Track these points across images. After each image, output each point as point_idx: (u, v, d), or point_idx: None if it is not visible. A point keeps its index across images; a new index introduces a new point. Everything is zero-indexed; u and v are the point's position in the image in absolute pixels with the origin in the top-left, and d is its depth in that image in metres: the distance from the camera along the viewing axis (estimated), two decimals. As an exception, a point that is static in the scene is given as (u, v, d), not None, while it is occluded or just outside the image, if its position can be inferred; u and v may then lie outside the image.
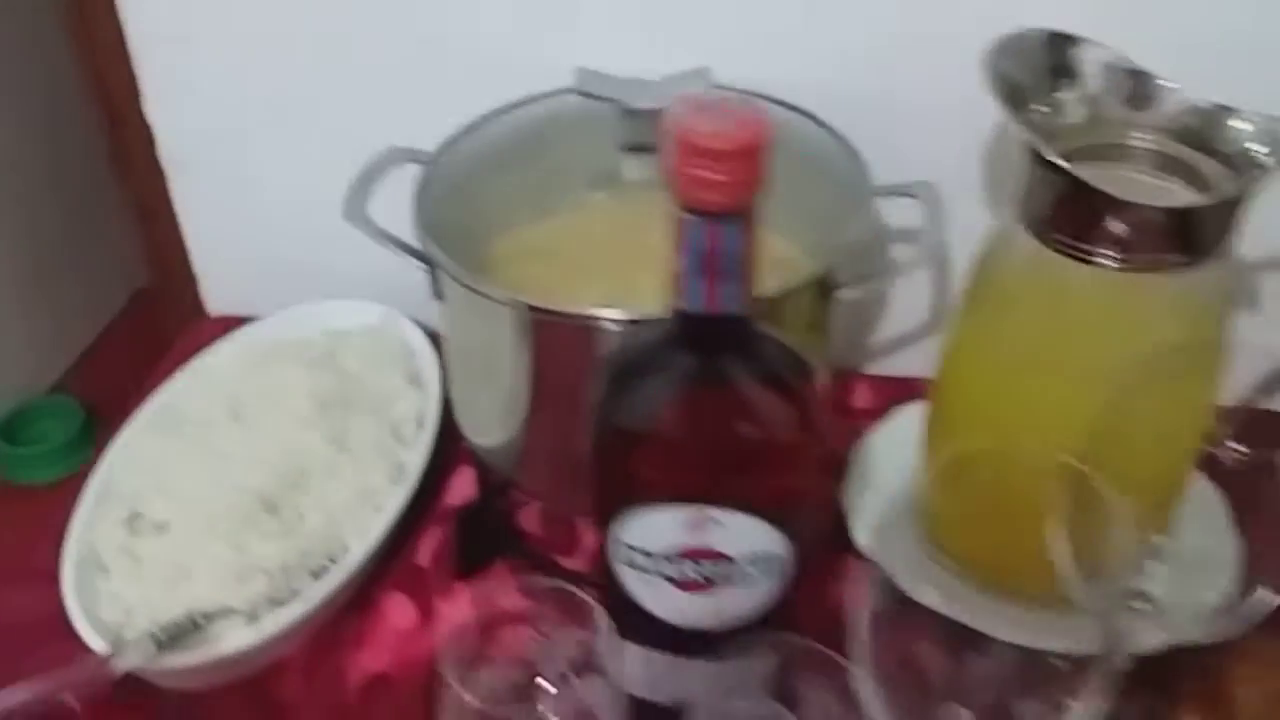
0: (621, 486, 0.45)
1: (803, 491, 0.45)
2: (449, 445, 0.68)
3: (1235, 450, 0.63)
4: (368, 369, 0.71)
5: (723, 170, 0.36)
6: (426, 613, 0.62)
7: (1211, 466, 0.59)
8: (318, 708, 0.58)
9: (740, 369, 0.42)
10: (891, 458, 0.67)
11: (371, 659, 0.60)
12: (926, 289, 0.73)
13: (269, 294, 0.77)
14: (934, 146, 0.62)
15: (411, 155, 0.61)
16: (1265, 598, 0.48)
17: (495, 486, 0.65)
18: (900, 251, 0.67)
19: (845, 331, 0.74)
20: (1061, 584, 0.49)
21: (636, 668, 0.49)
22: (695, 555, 0.45)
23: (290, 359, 0.71)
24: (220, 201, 0.79)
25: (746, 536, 0.45)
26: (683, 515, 0.44)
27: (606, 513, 0.46)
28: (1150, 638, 0.50)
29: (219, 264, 0.82)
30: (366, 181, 0.60)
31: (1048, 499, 0.46)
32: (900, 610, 0.44)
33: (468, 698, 0.44)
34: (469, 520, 0.65)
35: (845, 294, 0.56)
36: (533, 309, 0.54)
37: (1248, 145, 0.50)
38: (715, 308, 0.40)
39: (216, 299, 0.84)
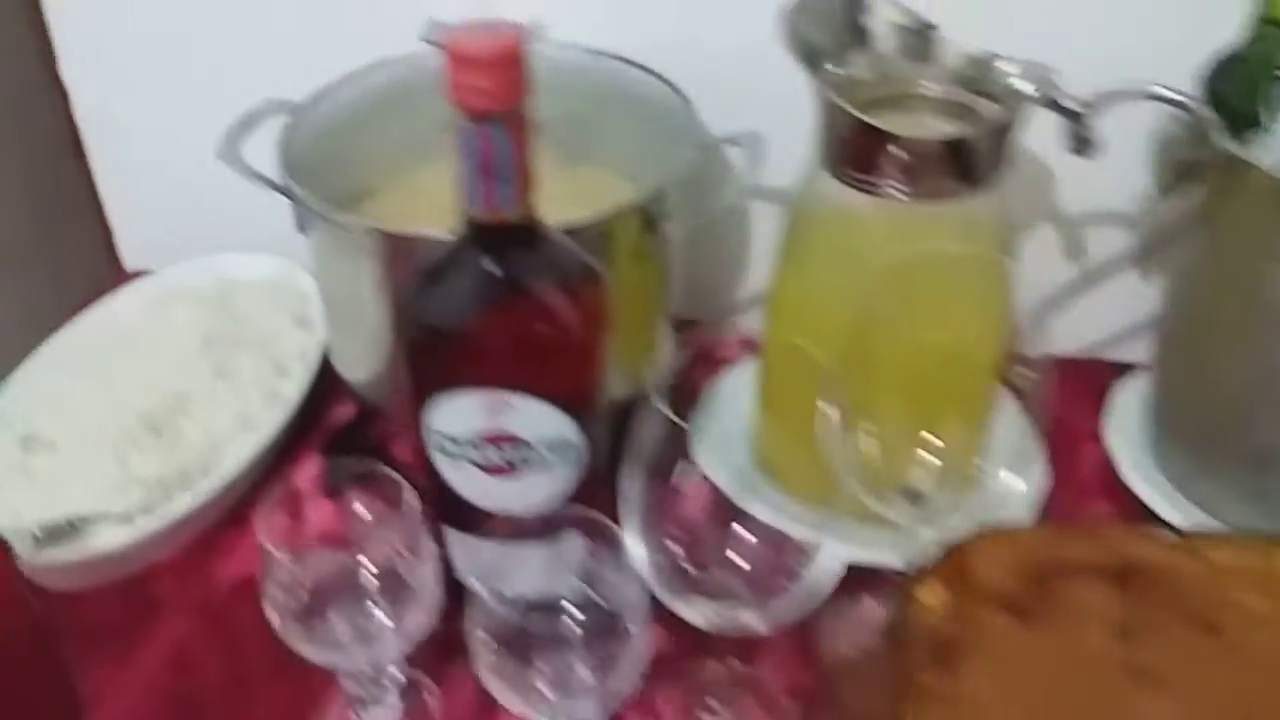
0: (427, 378, 0.50)
1: (589, 383, 0.50)
2: (334, 381, 0.72)
3: (1025, 375, 0.68)
4: (259, 312, 0.76)
5: (485, 76, 0.41)
6: (296, 514, 0.67)
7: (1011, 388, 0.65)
8: (188, 605, 0.63)
9: (526, 269, 0.47)
10: (738, 393, 0.72)
11: (241, 565, 0.65)
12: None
13: (182, 251, 0.81)
14: (769, 98, 0.66)
15: (288, 106, 0.66)
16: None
17: (366, 414, 0.70)
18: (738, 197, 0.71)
19: (718, 287, 0.78)
20: (839, 483, 0.55)
21: (456, 551, 0.54)
22: (495, 440, 0.50)
23: (185, 301, 0.76)
24: (131, 160, 0.83)
25: (540, 422, 0.49)
26: (480, 400, 0.49)
27: (419, 405, 0.50)
28: (923, 533, 0.55)
29: (132, 221, 0.87)
30: (243, 127, 0.65)
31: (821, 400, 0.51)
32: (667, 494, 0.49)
33: (283, 559, 0.49)
34: (337, 443, 0.69)
35: (672, 228, 0.61)
36: (388, 235, 0.59)
37: (1013, 83, 0.55)
38: (493, 207, 0.45)
39: (133, 256, 0.89)
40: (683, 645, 0.59)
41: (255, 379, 0.71)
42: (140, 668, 0.60)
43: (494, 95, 0.42)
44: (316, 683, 0.58)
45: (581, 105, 0.66)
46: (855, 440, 0.55)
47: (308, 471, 0.67)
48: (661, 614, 0.54)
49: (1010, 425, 0.70)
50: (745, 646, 0.60)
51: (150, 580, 0.64)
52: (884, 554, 0.59)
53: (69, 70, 0.80)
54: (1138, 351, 0.71)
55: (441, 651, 0.59)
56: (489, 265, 0.47)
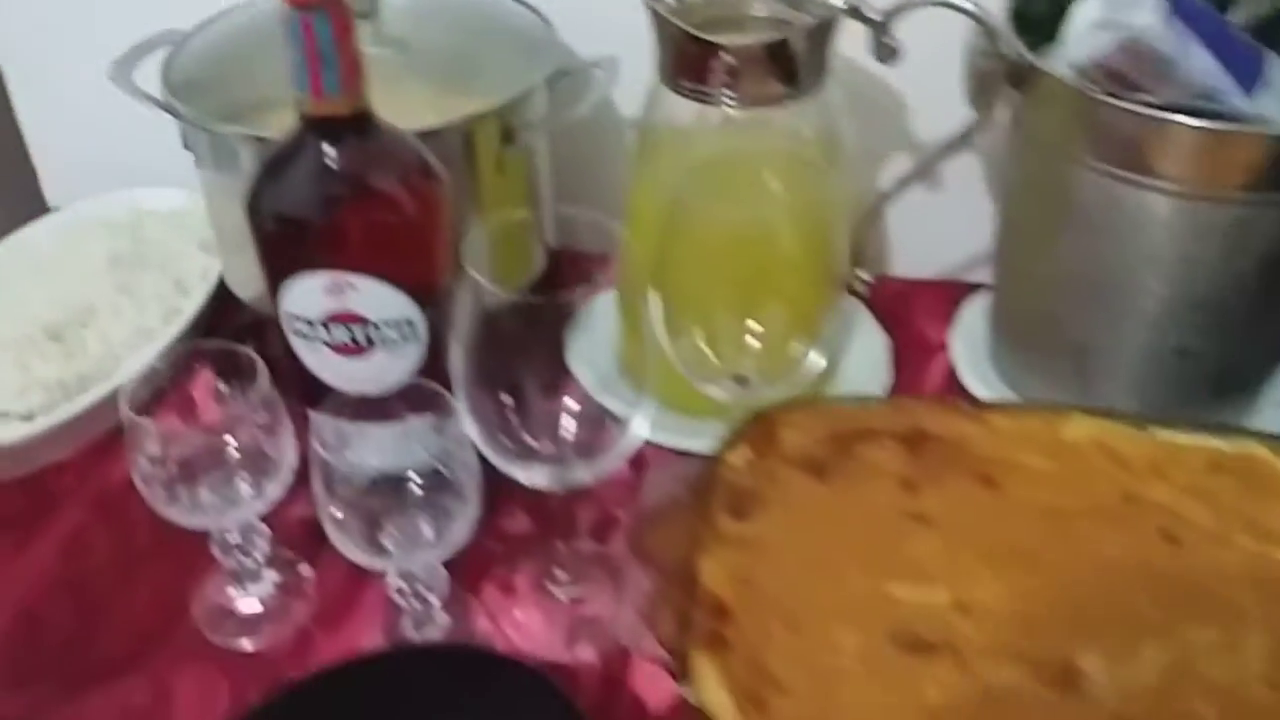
0: (277, 265, 0.54)
1: (428, 269, 0.54)
2: (234, 299, 0.76)
3: (864, 280, 0.72)
4: (165, 237, 0.80)
5: None
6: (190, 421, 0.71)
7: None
8: (84, 499, 0.67)
9: (360, 160, 0.52)
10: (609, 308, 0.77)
11: (136, 463, 0.69)
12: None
13: (102, 189, 0.85)
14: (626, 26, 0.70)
15: (179, 35, 0.70)
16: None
17: (252, 325, 0.74)
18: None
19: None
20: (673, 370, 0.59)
21: (314, 429, 0.58)
22: (341, 319, 0.54)
23: (96, 229, 0.80)
24: (51, 101, 0.87)
25: (382, 304, 0.54)
26: (324, 281, 0.53)
27: (274, 292, 0.55)
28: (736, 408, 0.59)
29: (53, 161, 0.91)
30: (137, 53, 0.69)
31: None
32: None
33: (148, 427, 0.53)
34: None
35: (525, 138, 0.65)
36: (264, 143, 0.62)
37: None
38: (321, 95, 0.49)
39: (56, 196, 0.93)
40: (538, 527, 0.64)
41: (156, 296, 0.75)
42: (36, 554, 0.64)
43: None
44: (199, 566, 0.62)
45: (456, 38, 0.71)
46: (686, 330, 0.60)
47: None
48: (516, 498, 0.58)
49: (860, 330, 0.75)
50: (599, 527, 0.64)
51: (50, 477, 0.68)
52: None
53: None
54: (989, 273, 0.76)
55: (314, 534, 0.63)
56: (325, 155, 0.51)
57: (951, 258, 0.81)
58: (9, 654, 0.59)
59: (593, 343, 0.57)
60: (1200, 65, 0.53)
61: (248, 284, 0.72)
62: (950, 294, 0.79)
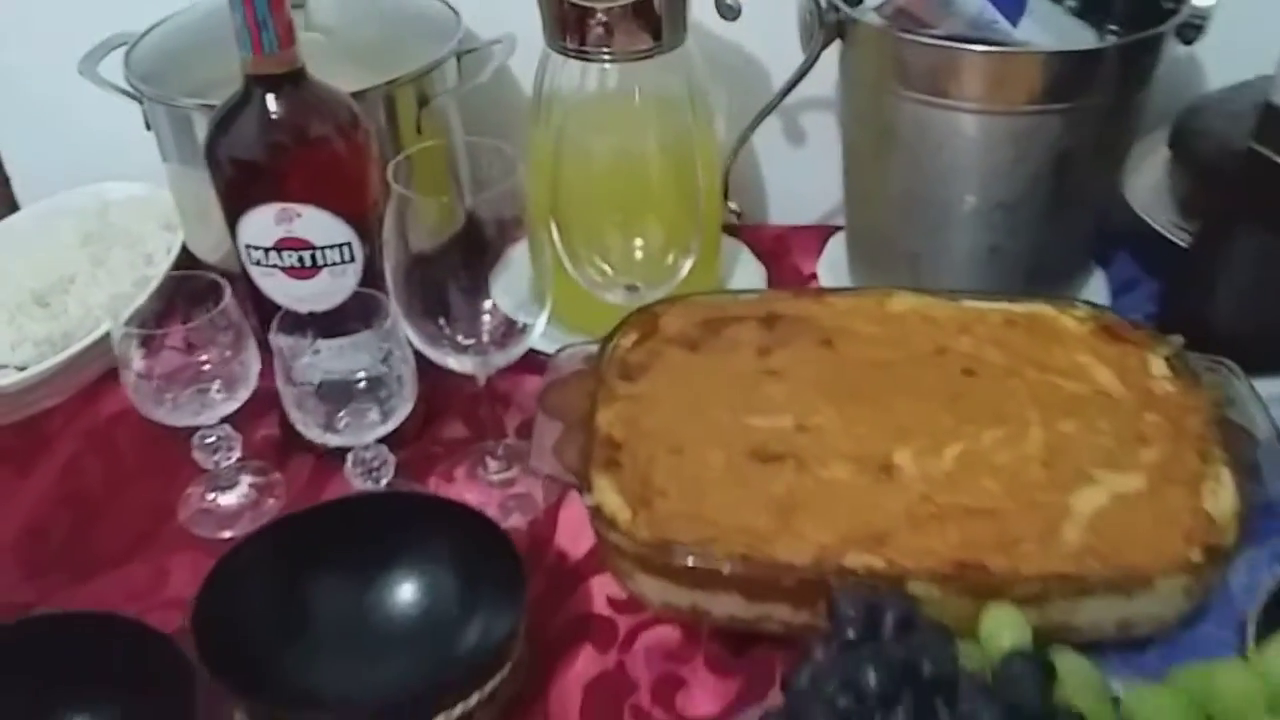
0: (233, 203, 0.63)
1: (362, 200, 0.64)
2: (196, 267, 0.85)
3: (732, 209, 0.83)
4: (131, 220, 0.88)
5: None
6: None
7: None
8: (75, 432, 0.76)
9: (297, 109, 0.61)
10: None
11: (118, 404, 0.77)
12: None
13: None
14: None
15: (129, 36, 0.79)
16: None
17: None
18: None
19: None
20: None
21: (281, 347, 0.67)
22: (290, 245, 0.63)
23: (68, 215, 0.88)
24: (15, 106, 0.95)
25: (325, 230, 0.63)
26: (274, 212, 0.62)
27: (233, 230, 0.64)
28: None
29: (21, 164, 0.99)
30: (99, 51, 0.78)
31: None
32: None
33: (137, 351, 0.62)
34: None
35: (439, 103, 0.75)
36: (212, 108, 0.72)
37: None
38: (261, 54, 0.59)
39: (26, 198, 1.01)
40: (472, 431, 0.74)
41: (127, 265, 0.83)
42: (36, 480, 0.72)
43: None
44: (182, 479, 0.71)
45: (376, 25, 0.81)
46: (585, 252, 0.70)
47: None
48: (454, 409, 0.68)
49: (743, 265, 0.86)
50: (521, 428, 0.74)
51: (43, 419, 0.76)
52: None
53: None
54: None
55: (280, 448, 0.73)
56: (267, 106, 0.61)
57: (821, 206, 0.91)
58: (19, 556, 0.67)
59: (510, 277, 0.67)
60: (973, 3, 0.64)
61: (209, 250, 0.81)
62: (820, 235, 0.90)
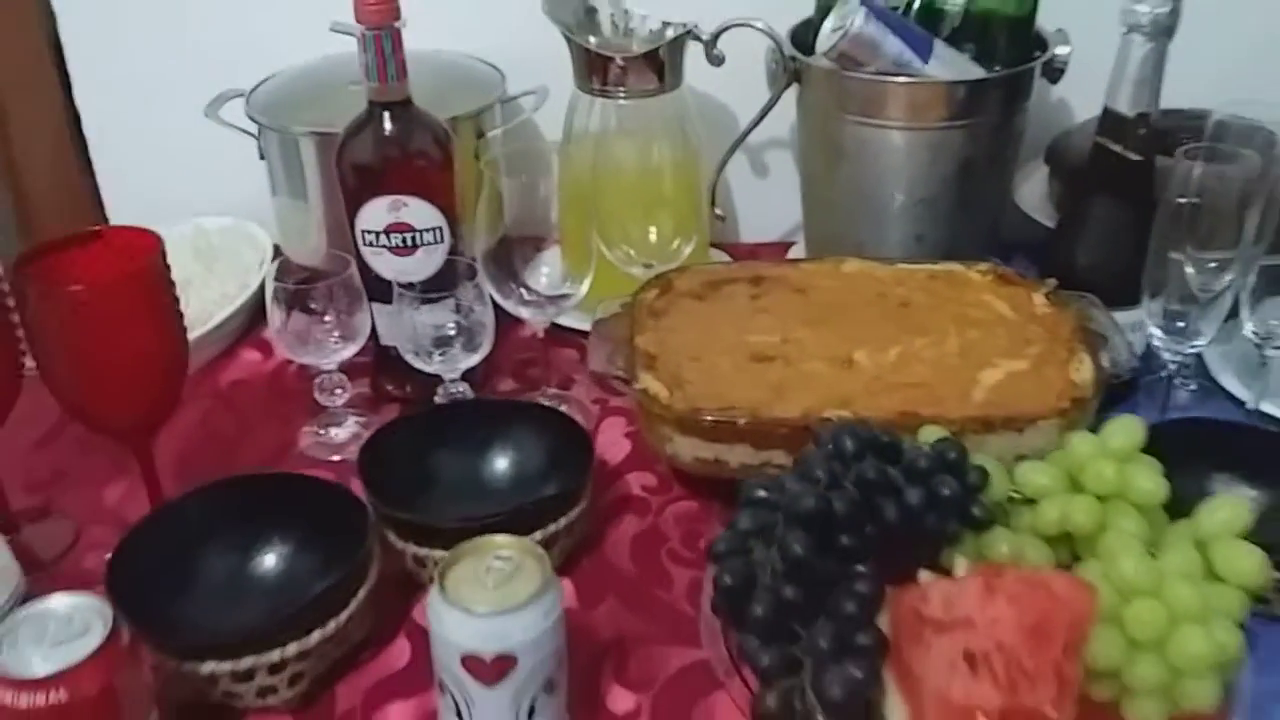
0: (355, 196, 0.83)
1: (451, 195, 0.84)
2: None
3: (716, 213, 1.04)
4: (227, 241, 1.08)
5: (376, 4, 0.77)
6: (267, 354, 0.99)
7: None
8: (206, 392, 0.94)
9: (407, 127, 0.82)
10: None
11: (235, 373, 0.96)
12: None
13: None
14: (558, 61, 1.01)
15: (240, 90, 1.00)
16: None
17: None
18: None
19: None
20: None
21: (379, 318, 0.87)
22: (396, 229, 0.83)
23: (178, 237, 1.07)
24: (124, 153, 1.15)
25: (423, 216, 0.83)
26: (386, 202, 0.83)
27: (352, 217, 0.84)
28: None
29: (122, 204, 1.18)
30: (223, 99, 0.99)
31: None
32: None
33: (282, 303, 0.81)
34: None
35: (490, 135, 0.97)
36: (318, 135, 0.92)
37: (670, 30, 0.92)
38: (385, 86, 0.80)
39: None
40: (520, 387, 0.93)
41: (230, 273, 1.03)
42: (181, 427, 0.90)
43: (382, 14, 0.77)
44: (296, 424, 0.89)
45: (441, 81, 1.02)
46: (615, 240, 0.91)
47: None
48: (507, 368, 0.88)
49: (720, 259, 1.07)
50: (562, 384, 0.93)
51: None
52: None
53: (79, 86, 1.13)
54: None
55: (373, 402, 0.92)
56: (384, 124, 0.82)
57: (782, 226, 1.13)
58: (179, 475, 0.84)
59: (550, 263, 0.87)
60: (894, 47, 0.88)
61: (305, 259, 1.01)
62: (782, 249, 1.11)
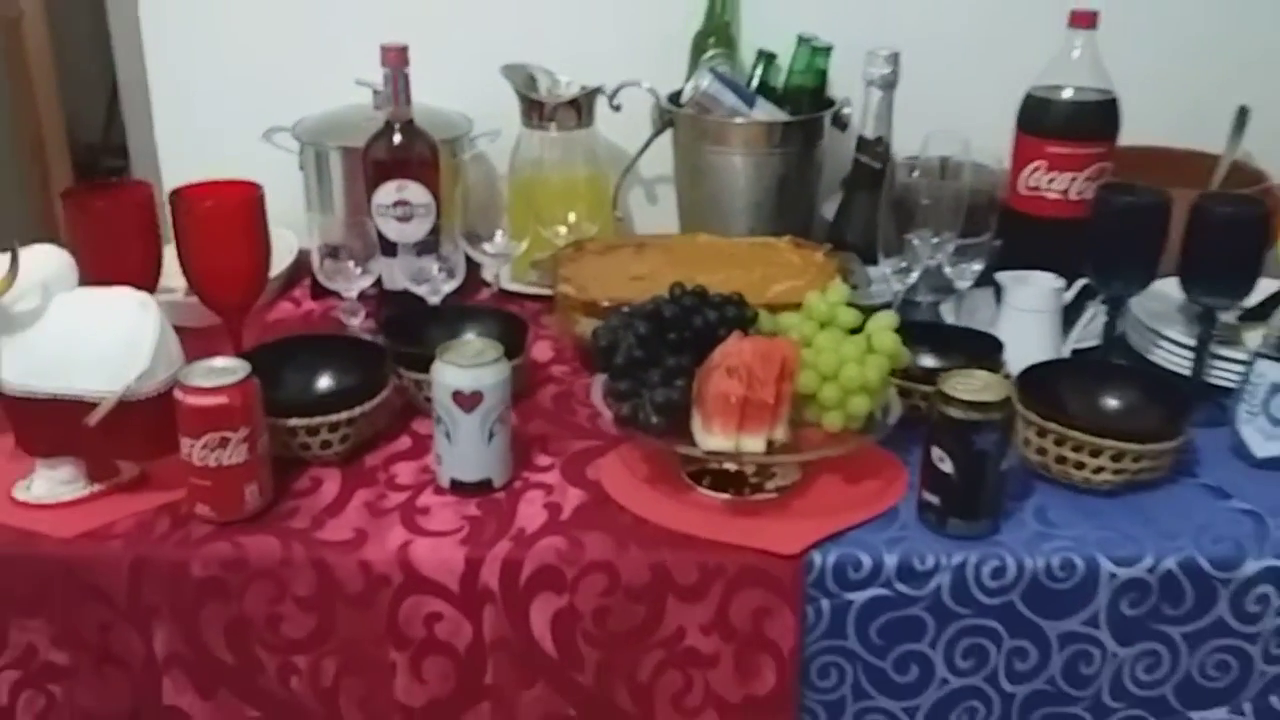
0: (374, 181, 1.24)
1: (438, 180, 1.25)
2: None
3: (617, 216, 1.47)
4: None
5: (394, 53, 1.19)
6: (298, 304, 1.37)
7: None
8: (257, 326, 1.32)
9: (411, 138, 1.24)
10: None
11: (280, 313, 1.34)
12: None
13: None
14: (511, 109, 1.45)
15: (284, 125, 1.41)
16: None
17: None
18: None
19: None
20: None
21: (392, 269, 1.26)
22: (400, 204, 1.24)
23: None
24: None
25: (418, 194, 1.24)
26: (395, 184, 1.23)
27: (370, 197, 1.24)
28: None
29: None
30: (273, 131, 1.39)
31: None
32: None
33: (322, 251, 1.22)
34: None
35: (465, 162, 1.39)
36: (345, 149, 1.33)
37: (582, 87, 1.36)
38: (398, 107, 1.22)
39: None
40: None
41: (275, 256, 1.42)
42: (246, 339, 1.27)
43: (399, 61, 1.20)
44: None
45: (433, 123, 1.44)
46: (549, 228, 1.33)
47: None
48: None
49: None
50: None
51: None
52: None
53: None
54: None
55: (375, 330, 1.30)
56: (394, 135, 1.23)
57: (667, 223, 1.56)
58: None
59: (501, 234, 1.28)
60: (730, 100, 1.32)
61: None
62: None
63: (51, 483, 0.95)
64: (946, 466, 0.91)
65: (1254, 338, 1.07)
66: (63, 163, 2.23)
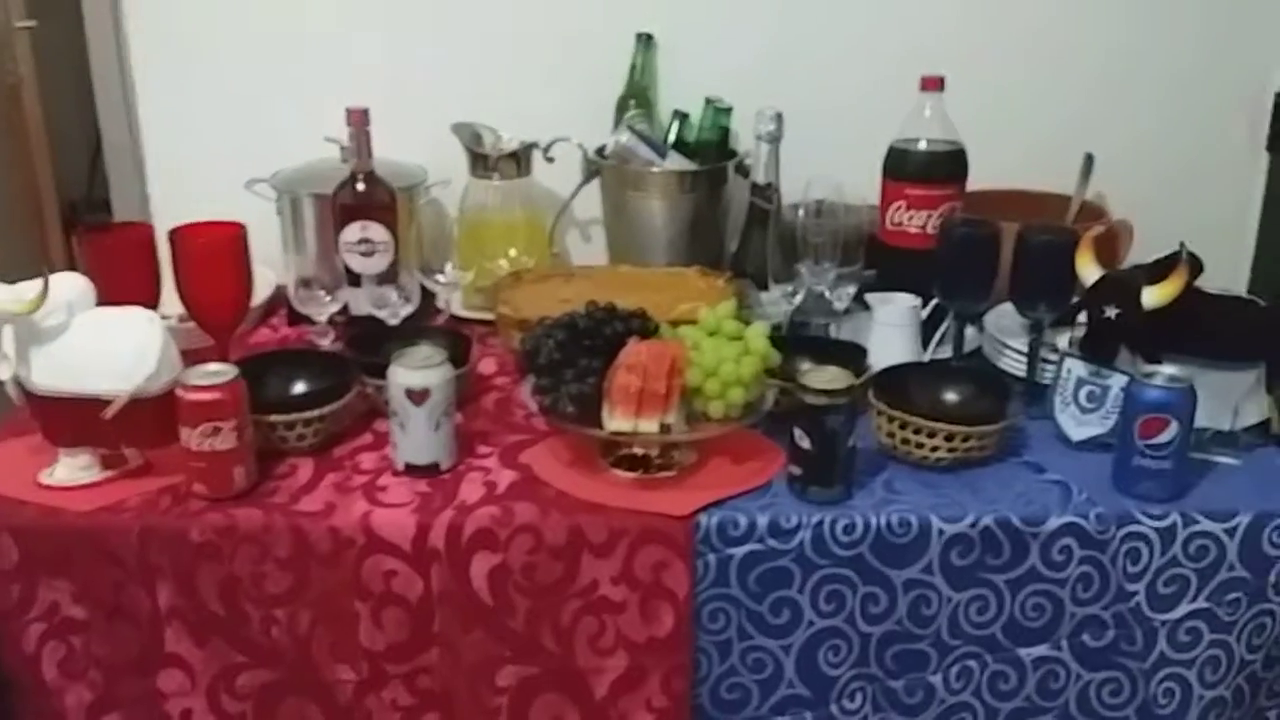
0: (341, 222, 1.43)
1: (397, 224, 1.45)
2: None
3: (554, 252, 1.67)
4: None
5: (356, 117, 1.39)
6: (275, 330, 1.56)
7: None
8: (242, 347, 1.50)
9: (372, 186, 1.43)
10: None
11: (262, 338, 1.53)
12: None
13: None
14: (459, 161, 1.65)
15: (264, 177, 1.60)
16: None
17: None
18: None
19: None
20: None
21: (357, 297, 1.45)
22: (365, 240, 1.43)
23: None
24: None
25: (378, 234, 1.44)
26: (359, 225, 1.43)
27: (337, 235, 1.44)
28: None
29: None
30: (253, 181, 1.59)
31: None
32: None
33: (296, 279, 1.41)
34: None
35: (421, 208, 1.59)
36: (316, 195, 1.53)
37: (521, 143, 1.57)
38: (361, 159, 1.41)
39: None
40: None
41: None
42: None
43: (362, 121, 1.40)
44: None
45: (393, 174, 1.64)
46: (493, 260, 1.52)
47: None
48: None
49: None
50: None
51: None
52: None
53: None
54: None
55: (345, 347, 1.49)
56: (358, 184, 1.43)
57: (597, 258, 1.76)
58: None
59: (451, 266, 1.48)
60: (645, 152, 1.53)
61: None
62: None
63: (71, 469, 1.12)
64: (805, 443, 1.11)
65: (1063, 340, 1.28)
66: (54, 218, 2.41)
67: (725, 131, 1.60)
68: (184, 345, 1.26)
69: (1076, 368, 1.23)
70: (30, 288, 1.06)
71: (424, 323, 1.50)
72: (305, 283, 1.41)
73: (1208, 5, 1.71)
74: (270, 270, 1.64)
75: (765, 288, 1.43)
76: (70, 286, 1.10)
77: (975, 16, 1.68)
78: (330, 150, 1.57)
